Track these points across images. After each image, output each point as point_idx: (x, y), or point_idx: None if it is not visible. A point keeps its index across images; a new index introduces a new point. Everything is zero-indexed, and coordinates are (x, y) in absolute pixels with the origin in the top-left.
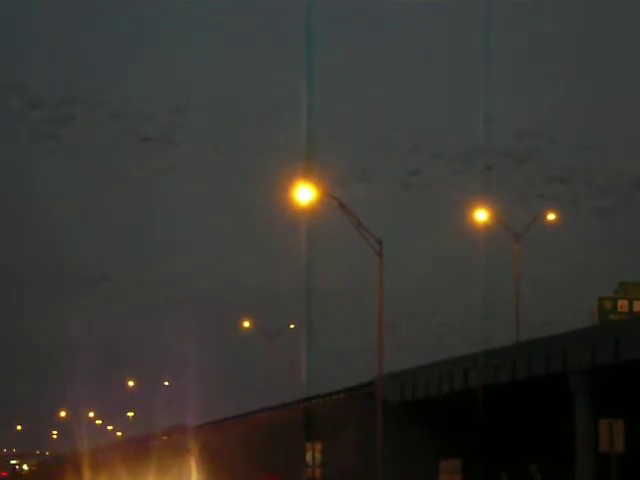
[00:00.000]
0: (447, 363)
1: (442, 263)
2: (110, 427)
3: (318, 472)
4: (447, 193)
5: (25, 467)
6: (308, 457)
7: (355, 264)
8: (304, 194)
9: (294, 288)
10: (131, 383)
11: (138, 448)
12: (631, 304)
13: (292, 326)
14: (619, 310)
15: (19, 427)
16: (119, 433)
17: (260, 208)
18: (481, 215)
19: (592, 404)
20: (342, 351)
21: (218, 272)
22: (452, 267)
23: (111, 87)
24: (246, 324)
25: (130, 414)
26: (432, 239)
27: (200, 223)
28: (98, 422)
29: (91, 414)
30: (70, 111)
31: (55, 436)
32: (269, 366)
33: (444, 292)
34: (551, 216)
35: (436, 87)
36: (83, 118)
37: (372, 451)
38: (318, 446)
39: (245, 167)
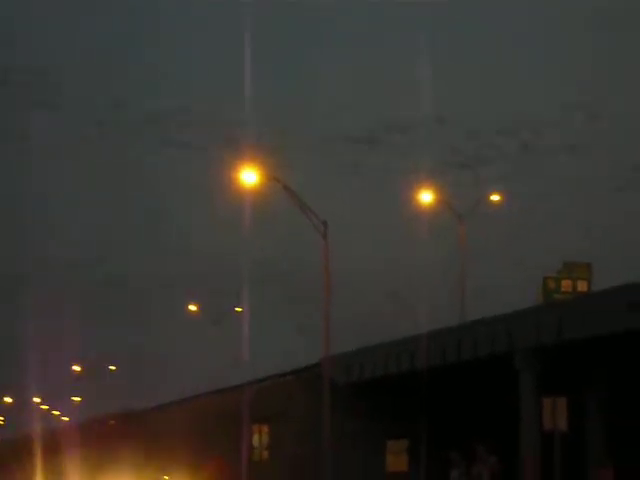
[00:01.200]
0: (393, 344)
1: (386, 245)
2: (56, 412)
3: (265, 454)
4: (394, 174)
5: None
6: (254, 440)
7: (301, 245)
8: (248, 177)
9: (238, 271)
10: (77, 368)
11: (83, 433)
12: (575, 284)
13: (239, 309)
14: (563, 290)
15: None
16: (65, 418)
17: (205, 191)
18: (426, 196)
19: (536, 383)
20: (286, 333)
21: (161, 256)
22: (398, 249)
23: None
24: (192, 307)
25: (76, 399)
26: (379, 222)
27: (147, 207)
28: (44, 407)
29: (37, 399)
30: None
31: (2, 422)
32: (215, 349)
33: (390, 273)
34: (495, 197)
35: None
36: None
37: (319, 432)
38: (265, 428)
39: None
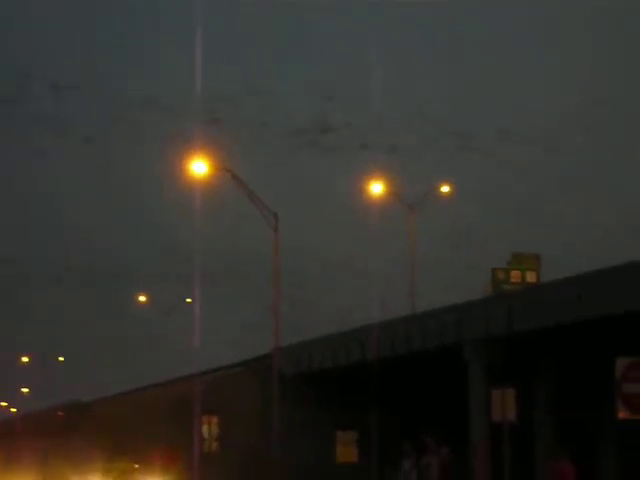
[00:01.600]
0: (343, 335)
1: (339, 235)
2: (4, 403)
3: (214, 445)
4: (347, 166)
5: None
6: (204, 431)
7: (252, 236)
8: (198, 167)
9: (190, 263)
10: (25, 359)
11: (32, 424)
12: (524, 274)
13: (189, 300)
14: (512, 281)
15: None
16: (13, 409)
17: (154, 183)
18: (377, 187)
19: (485, 374)
20: (237, 325)
21: (106, 247)
22: (350, 239)
23: None
24: (142, 298)
25: (25, 390)
26: (330, 212)
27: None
28: None
29: None
30: None
31: None
32: (165, 340)
33: (342, 264)
34: (445, 188)
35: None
36: None
37: (269, 423)
38: (214, 419)
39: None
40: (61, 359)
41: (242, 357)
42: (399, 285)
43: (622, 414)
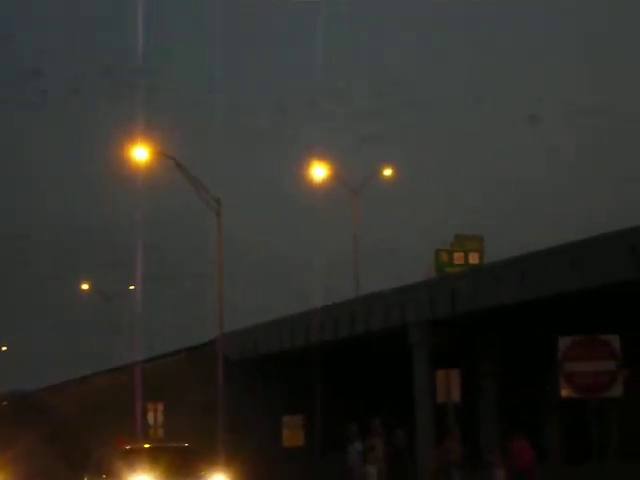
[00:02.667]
0: (288, 320)
1: (284, 222)
2: None
3: (160, 432)
4: (291, 149)
5: None
6: (149, 418)
7: (196, 222)
8: (139, 153)
9: (134, 249)
10: None
11: None
12: (467, 256)
13: (132, 287)
14: (455, 262)
15: None
16: None
17: (99, 169)
18: (319, 171)
19: (430, 356)
20: (184, 312)
21: (54, 237)
22: (294, 225)
23: None
24: (85, 286)
25: None
26: (274, 198)
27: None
28: None
29: None
30: None
31: None
32: (109, 328)
33: (285, 249)
34: (388, 171)
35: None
36: None
37: (214, 409)
38: (160, 406)
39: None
40: (4, 348)
41: (188, 344)
42: (347, 270)
43: (565, 392)
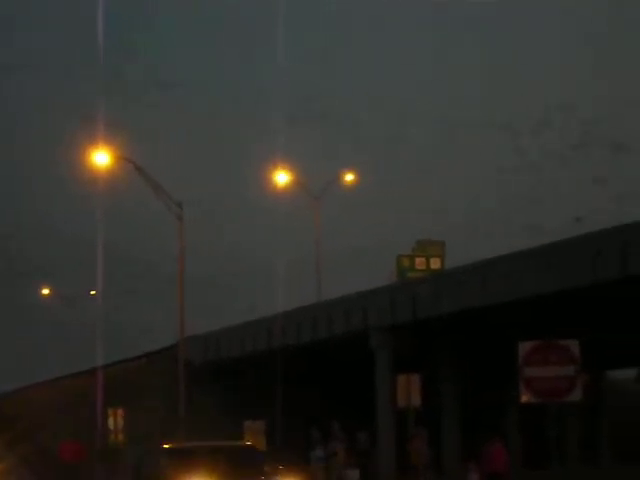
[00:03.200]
0: (250, 324)
1: (249, 227)
2: None
3: (120, 436)
4: (254, 154)
5: None
6: (110, 423)
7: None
8: (99, 158)
9: (94, 254)
10: None
11: None
12: (428, 261)
13: (93, 292)
14: (417, 267)
15: None
16: None
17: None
18: (282, 177)
19: (392, 361)
20: (148, 316)
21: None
22: (258, 229)
23: None
24: (45, 291)
25: None
26: (239, 203)
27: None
28: None
29: None
30: None
31: None
32: (70, 332)
33: (249, 256)
34: (349, 176)
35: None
36: None
37: (176, 414)
38: (120, 411)
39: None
40: None
41: (151, 348)
42: (311, 275)
43: (524, 398)
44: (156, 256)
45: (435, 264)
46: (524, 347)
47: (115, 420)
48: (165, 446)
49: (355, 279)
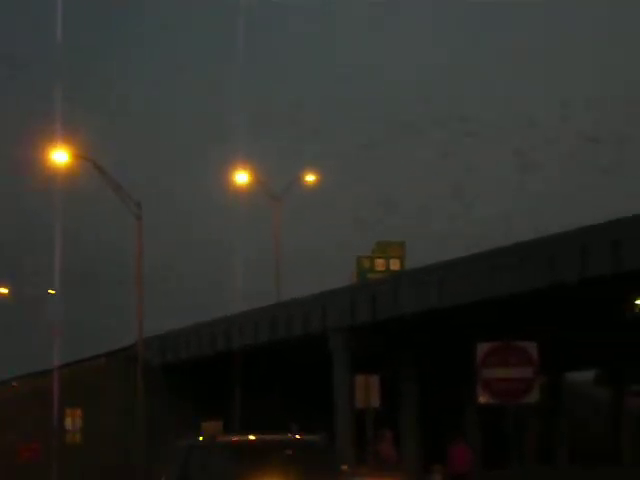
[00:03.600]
0: (208, 325)
1: (208, 227)
2: None
3: (78, 437)
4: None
5: None
6: (67, 423)
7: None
8: (59, 156)
9: (53, 253)
10: None
11: None
12: (388, 263)
13: (52, 291)
14: (376, 269)
15: None
16: None
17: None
18: (242, 177)
19: (351, 362)
20: (105, 317)
21: None
22: (217, 230)
23: None
24: (3, 290)
25: None
26: (200, 203)
27: None
28: None
29: None
30: None
31: None
32: (28, 332)
33: (208, 256)
34: (310, 177)
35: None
36: None
37: (133, 414)
38: (78, 412)
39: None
40: None
41: (109, 348)
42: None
43: (482, 399)
44: (116, 255)
45: (395, 265)
46: (482, 348)
47: (73, 420)
48: (222, 439)
49: (315, 280)
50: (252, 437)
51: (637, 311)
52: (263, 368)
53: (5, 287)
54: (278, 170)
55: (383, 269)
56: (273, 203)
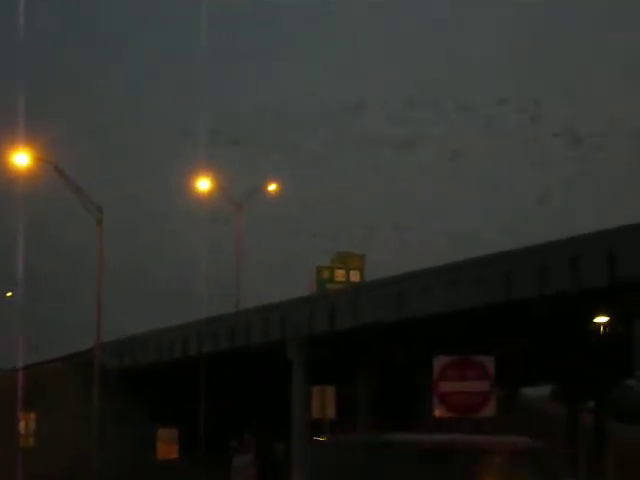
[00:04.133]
0: (167, 331)
1: (167, 235)
2: None
3: (32, 441)
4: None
5: None
6: (21, 427)
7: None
8: (19, 159)
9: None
10: None
11: None
12: (348, 274)
13: (9, 294)
14: (336, 279)
15: None
16: None
17: None
18: (204, 183)
19: (308, 372)
20: (63, 321)
21: None
22: (177, 237)
23: None
24: None
25: None
26: (162, 209)
27: None
28: None
29: None
30: None
31: None
32: None
33: (168, 261)
34: (272, 186)
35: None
36: None
37: (89, 419)
38: (32, 415)
39: None
40: None
41: (67, 351)
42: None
43: (438, 412)
44: (78, 258)
45: (355, 277)
46: (438, 362)
47: (27, 424)
48: (399, 437)
49: (275, 289)
50: (447, 437)
51: (596, 328)
52: (222, 375)
53: None
54: (242, 178)
55: (343, 280)
56: (235, 209)
